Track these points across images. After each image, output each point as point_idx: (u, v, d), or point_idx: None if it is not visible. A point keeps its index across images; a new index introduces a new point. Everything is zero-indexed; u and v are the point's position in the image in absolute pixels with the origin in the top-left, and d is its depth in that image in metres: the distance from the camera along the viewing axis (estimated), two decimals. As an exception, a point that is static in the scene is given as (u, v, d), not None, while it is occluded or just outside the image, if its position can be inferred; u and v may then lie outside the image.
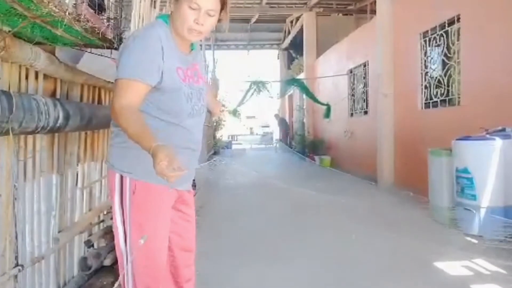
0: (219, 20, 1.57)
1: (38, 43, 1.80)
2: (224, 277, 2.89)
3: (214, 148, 13.32)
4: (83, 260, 2.53)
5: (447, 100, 5.36)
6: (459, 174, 3.84)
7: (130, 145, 1.42)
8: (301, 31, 13.47)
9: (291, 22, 15.00)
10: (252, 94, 12.19)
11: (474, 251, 3.32)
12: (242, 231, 4.14)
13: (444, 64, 5.45)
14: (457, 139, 3.95)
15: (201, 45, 1.74)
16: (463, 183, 3.78)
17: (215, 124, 13.46)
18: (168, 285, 1.66)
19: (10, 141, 1.76)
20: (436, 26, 5.44)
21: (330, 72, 10.67)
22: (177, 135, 1.53)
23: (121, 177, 1.50)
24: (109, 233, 2.83)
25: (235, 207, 5.49)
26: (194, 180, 2.06)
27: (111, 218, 2.77)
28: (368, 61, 8.14)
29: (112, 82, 2.85)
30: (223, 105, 14.57)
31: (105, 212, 2.96)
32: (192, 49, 1.65)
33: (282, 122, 16.91)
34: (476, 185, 3.65)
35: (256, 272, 2.97)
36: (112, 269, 2.71)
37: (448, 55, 5.27)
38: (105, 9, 2.18)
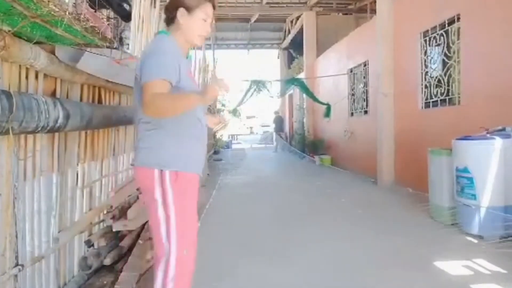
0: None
1: (38, 43, 1.79)
2: (224, 272, 2.89)
3: (214, 148, 13.32)
4: (83, 259, 2.53)
5: (447, 99, 5.36)
6: (459, 174, 3.84)
7: (163, 144, 1.69)
8: (301, 30, 13.47)
9: (291, 21, 15.00)
10: (252, 93, 12.18)
11: (474, 250, 3.32)
12: (241, 228, 4.14)
13: (444, 63, 5.45)
14: (457, 139, 3.95)
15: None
16: (463, 183, 3.78)
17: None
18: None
19: (10, 141, 1.76)
20: (436, 26, 5.43)
21: (330, 71, 10.66)
22: (196, 127, 1.80)
23: (161, 171, 1.68)
24: (109, 232, 2.84)
25: (235, 205, 5.49)
26: None
27: (111, 218, 2.78)
28: (368, 61, 8.14)
29: (111, 82, 2.85)
30: (221, 110, 14.55)
31: (105, 212, 2.97)
32: (187, 57, 1.87)
33: (277, 120, 16.98)
34: (476, 185, 3.65)
35: (255, 268, 2.98)
36: (112, 269, 2.72)
37: (448, 54, 5.27)
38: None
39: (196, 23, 1.76)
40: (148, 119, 1.69)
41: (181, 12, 1.74)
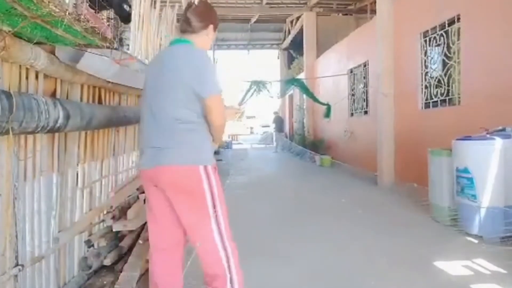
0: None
1: (38, 43, 1.79)
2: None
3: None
4: (83, 259, 2.53)
5: (447, 100, 5.36)
6: (459, 174, 3.84)
7: (203, 141, 1.88)
8: (301, 31, 13.48)
9: (291, 22, 15.01)
10: (252, 94, 12.18)
11: (474, 251, 3.32)
12: (242, 228, 4.13)
13: (444, 64, 5.45)
14: (457, 139, 3.95)
15: None
16: (463, 183, 3.78)
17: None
18: None
19: (10, 141, 1.76)
20: (436, 26, 5.43)
21: (330, 71, 10.67)
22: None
23: (204, 167, 1.83)
24: (109, 232, 2.84)
25: (235, 205, 5.49)
26: None
27: (111, 218, 2.78)
28: (368, 61, 8.15)
29: (111, 82, 2.86)
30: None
31: (105, 212, 2.97)
32: None
33: (277, 120, 16.96)
34: (476, 185, 3.65)
35: (255, 267, 2.97)
36: (112, 269, 2.72)
37: (448, 54, 5.27)
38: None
39: (213, 35, 2.08)
40: (191, 119, 1.80)
41: (211, 28, 2.03)
